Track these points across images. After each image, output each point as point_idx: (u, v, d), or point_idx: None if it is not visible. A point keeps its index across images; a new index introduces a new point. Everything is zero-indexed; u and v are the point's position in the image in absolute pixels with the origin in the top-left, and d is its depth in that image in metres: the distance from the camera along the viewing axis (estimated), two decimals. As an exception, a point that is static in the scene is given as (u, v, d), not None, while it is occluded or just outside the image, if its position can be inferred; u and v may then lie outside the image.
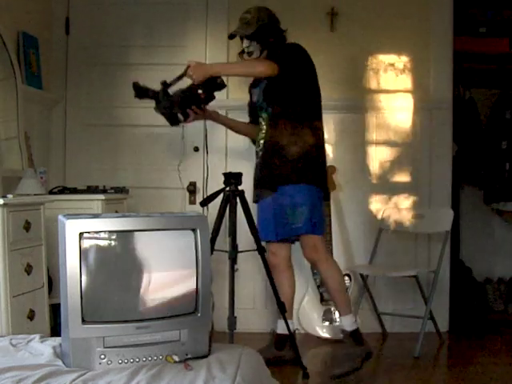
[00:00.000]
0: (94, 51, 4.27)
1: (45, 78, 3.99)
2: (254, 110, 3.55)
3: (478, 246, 5.02)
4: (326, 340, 3.98)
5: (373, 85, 4.26)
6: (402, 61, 4.27)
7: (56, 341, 2.05)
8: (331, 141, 4.24)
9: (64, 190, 3.65)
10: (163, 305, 1.96)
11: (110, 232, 1.91)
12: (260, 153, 3.42)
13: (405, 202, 4.25)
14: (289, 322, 3.32)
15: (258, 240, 3.22)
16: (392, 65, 4.27)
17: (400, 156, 4.27)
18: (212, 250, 2.99)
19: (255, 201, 3.43)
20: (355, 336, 3.29)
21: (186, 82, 3.23)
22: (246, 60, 3.41)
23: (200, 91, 3.19)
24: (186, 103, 3.20)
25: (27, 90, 3.64)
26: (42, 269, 3.01)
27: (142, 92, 3.18)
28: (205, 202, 3.27)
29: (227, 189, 3.21)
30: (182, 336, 1.95)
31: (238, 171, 3.24)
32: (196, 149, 4.23)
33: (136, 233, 1.96)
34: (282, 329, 3.40)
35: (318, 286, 4.06)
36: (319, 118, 3.41)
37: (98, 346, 1.84)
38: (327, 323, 4.01)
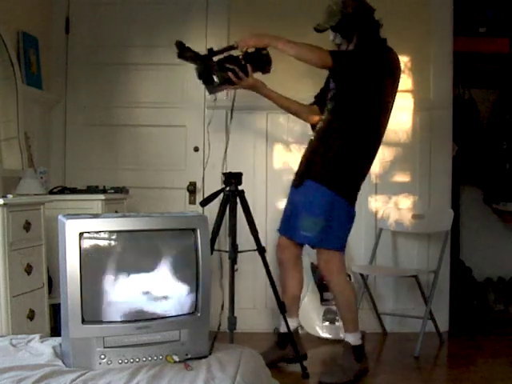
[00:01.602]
0: (94, 51, 4.27)
1: (45, 78, 3.99)
2: (324, 95, 3.37)
3: (478, 246, 5.02)
4: (326, 340, 3.98)
5: (373, 85, 4.26)
6: (402, 61, 4.25)
7: (56, 341, 2.05)
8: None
9: (64, 190, 3.65)
10: (163, 305, 1.96)
11: (110, 232, 1.91)
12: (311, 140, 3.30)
13: (405, 201, 4.25)
14: (292, 319, 3.32)
15: (257, 240, 3.22)
16: (392, 65, 4.26)
17: (400, 156, 4.27)
18: (212, 250, 2.99)
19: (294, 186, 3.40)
20: (357, 352, 3.22)
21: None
22: (307, 44, 3.13)
23: (240, 57, 3.12)
24: (223, 64, 3.11)
25: (27, 89, 3.64)
26: (42, 269, 3.01)
27: (183, 51, 3.12)
28: (205, 202, 3.27)
29: (227, 189, 3.22)
30: (182, 336, 1.95)
31: (238, 171, 3.24)
32: (196, 149, 4.23)
33: (136, 233, 1.96)
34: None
35: (318, 286, 4.06)
36: (377, 133, 3.23)
37: (98, 346, 1.84)
38: (327, 323, 4.01)
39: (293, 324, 3.33)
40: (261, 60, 3.13)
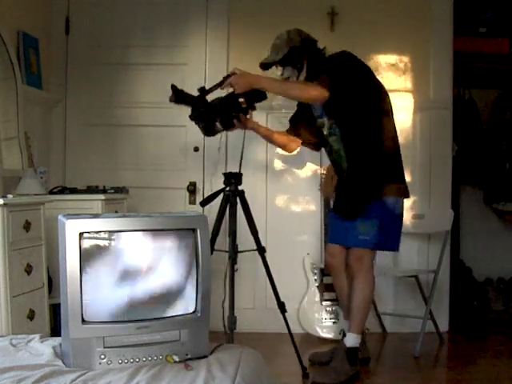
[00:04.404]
0: (94, 51, 4.26)
1: (45, 78, 3.99)
2: (310, 121, 3.44)
3: (478, 246, 5.02)
4: (326, 340, 3.98)
5: (373, 85, 4.25)
6: (402, 61, 4.28)
7: (56, 341, 2.05)
8: (331, 141, 4.24)
9: (64, 190, 3.65)
10: (163, 305, 1.96)
11: (110, 232, 1.91)
12: (343, 172, 3.31)
13: (405, 201, 4.24)
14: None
15: (257, 240, 3.22)
16: (392, 65, 4.27)
17: (400, 156, 4.26)
18: (212, 250, 2.99)
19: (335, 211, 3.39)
20: (351, 355, 3.20)
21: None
22: (296, 82, 3.25)
23: (241, 100, 3.16)
24: (227, 111, 3.15)
25: (27, 89, 3.64)
26: (42, 269, 3.01)
27: (180, 96, 3.10)
28: (205, 202, 3.27)
29: (227, 189, 3.22)
30: (182, 336, 1.95)
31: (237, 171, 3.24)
32: (196, 149, 4.23)
33: (136, 233, 1.96)
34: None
35: (318, 286, 4.06)
36: (388, 122, 3.29)
37: (98, 346, 1.84)
38: (327, 323, 4.01)
39: None
40: (259, 97, 3.19)
